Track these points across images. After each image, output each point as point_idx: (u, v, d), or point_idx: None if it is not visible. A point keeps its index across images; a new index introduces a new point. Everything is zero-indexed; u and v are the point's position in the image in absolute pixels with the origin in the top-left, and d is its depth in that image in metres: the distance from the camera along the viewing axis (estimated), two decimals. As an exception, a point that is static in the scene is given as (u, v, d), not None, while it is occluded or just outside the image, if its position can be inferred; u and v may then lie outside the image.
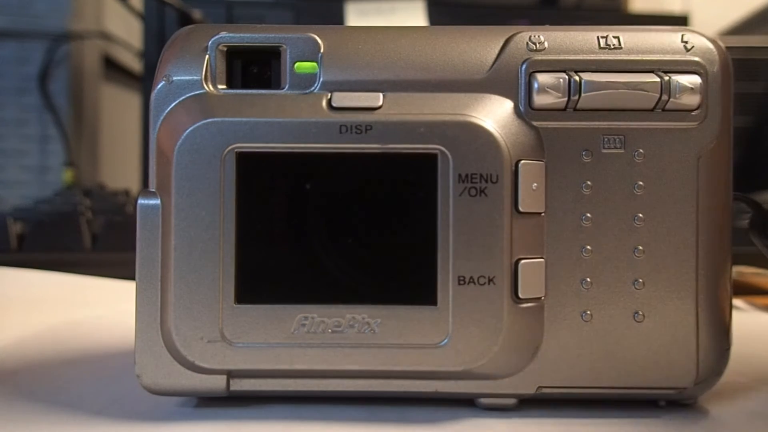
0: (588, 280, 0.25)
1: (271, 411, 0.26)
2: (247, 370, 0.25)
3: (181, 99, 0.25)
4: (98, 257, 0.61)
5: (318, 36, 0.26)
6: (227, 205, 0.24)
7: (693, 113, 0.25)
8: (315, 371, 0.25)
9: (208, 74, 0.26)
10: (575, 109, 0.25)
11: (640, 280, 0.25)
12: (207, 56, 0.26)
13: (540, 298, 0.25)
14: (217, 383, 0.25)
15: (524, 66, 0.25)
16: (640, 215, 0.25)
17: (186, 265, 0.24)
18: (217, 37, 0.26)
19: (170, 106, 0.25)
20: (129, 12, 0.98)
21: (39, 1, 1.13)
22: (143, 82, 0.98)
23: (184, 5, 0.87)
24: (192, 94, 0.25)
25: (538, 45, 0.26)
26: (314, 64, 0.26)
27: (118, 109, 1.31)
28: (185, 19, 0.86)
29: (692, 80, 0.25)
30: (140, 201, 0.25)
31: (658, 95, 0.25)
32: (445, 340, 0.24)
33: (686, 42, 0.26)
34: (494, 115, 0.25)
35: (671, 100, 0.25)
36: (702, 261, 0.25)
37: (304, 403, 0.26)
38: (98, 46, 1.20)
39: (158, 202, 0.25)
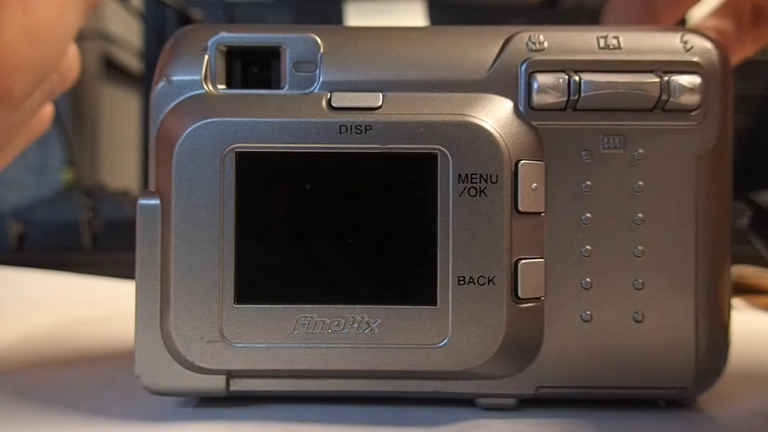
0: (588, 280, 0.25)
1: (271, 411, 0.26)
2: (246, 371, 0.25)
3: (180, 99, 0.25)
4: (98, 257, 0.62)
5: (318, 36, 0.26)
6: (227, 205, 0.24)
7: (693, 113, 0.25)
8: (315, 371, 0.25)
9: (208, 74, 0.26)
10: (575, 109, 0.25)
11: (640, 280, 0.25)
12: (206, 56, 0.26)
13: (540, 298, 0.25)
14: (217, 383, 0.25)
15: (524, 66, 0.25)
16: (640, 215, 0.25)
17: (186, 265, 0.24)
18: (216, 37, 0.26)
19: (170, 106, 0.25)
20: (129, 12, 0.98)
21: (39, 1, 1.12)
22: (143, 82, 0.98)
23: (184, 5, 0.87)
24: (192, 94, 0.25)
25: (537, 45, 0.26)
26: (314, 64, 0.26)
27: (118, 109, 1.31)
28: (185, 19, 0.86)
29: (692, 80, 0.25)
30: (140, 201, 0.25)
31: (657, 95, 0.25)
32: (445, 341, 0.24)
33: (685, 42, 0.26)
34: (494, 115, 0.25)
35: (671, 100, 0.25)
36: (702, 261, 0.25)
37: (304, 403, 0.26)
38: (98, 46, 1.20)
39: (158, 202, 0.25)
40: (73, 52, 0.32)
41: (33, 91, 0.28)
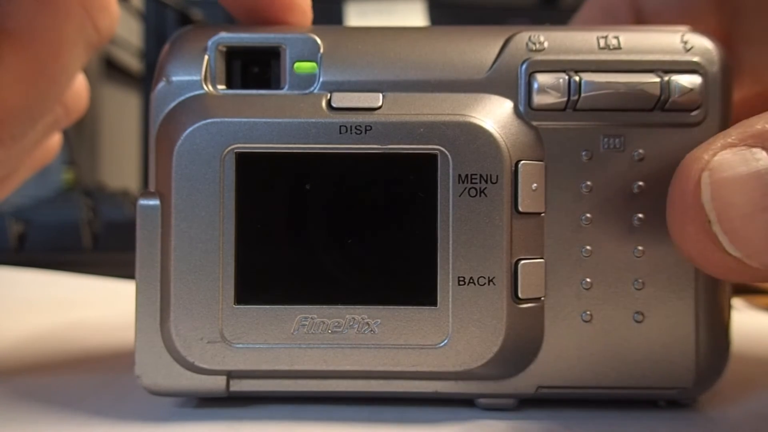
0: (588, 280, 0.25)
1: (271, 411, 0.26)
2: (246, 371, 0.25)
3: (180, 99, 0.25)
4: (98, 257, 0.62)
5: (318, 36, 0.26)
6: (227, 205, 0.24)
7: (693, 113, 0.25)
8: (315, 372, 0.25)
9: (208, 74, 0.26)
10: (575, 109, 0.25)
11: (640, 281, 0.25)
12: (206, 56, 0.26)
13: (540, 298, 0.25)
14: (217, 384, 0.25)
15: (524, 66, 0.25)
16: (640, 215, 0.25)
17: (186, 265, 0.24)
18: (216, 37, 0.26)
19: (170, 106, 0.25)
20: (129, 12, 0.98)
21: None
22: (143, 82, 0.98)
23: (184, 5, 0.87)
24: (192, 94, 0.25)
25: (537, 45, 0.26)
26: (314, 64, 0.26)
27: (118, 109, 1.31)
28: (185, 19, 0.86)
29: (692, 80, 0.25)
30: (140, 201, 0.25)
31: (657, 95, 0.25)
32: (445, 341, 0.24)
33: (685, 42, 0.26)
34: (494, 115, 0.25)
35: (671, 100, 0.25)
36: (702, 261, 0.25)
37: (304, 404, 0.26)
38: (98, 46, 1.19)
39: (158, 202, 0.25)
40: (80, 84, 0.32)
41: (26, 133, 0.27)
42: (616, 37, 0.26)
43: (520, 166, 0.25)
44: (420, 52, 0.26)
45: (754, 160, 0.21)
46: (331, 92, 0.25)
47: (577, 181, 0.25)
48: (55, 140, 0.33)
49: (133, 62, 1.22)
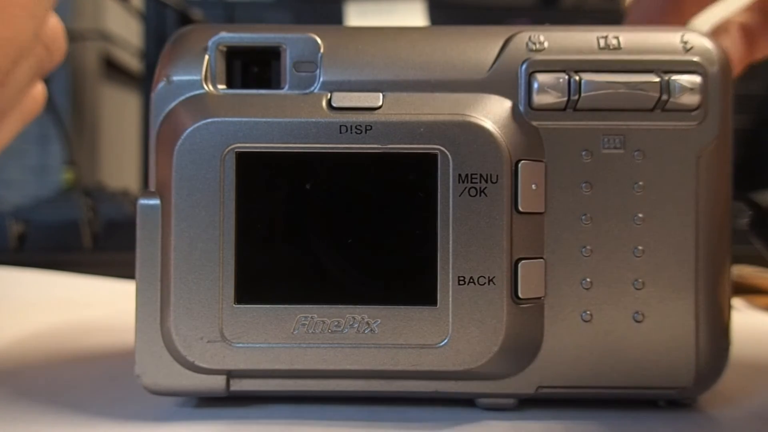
0: (588, 280, 0.25)
1: (271, 411, 0.26)
2: (247, 371, 0.25)
3: (181, 99, 0.25)
4: (98, 257, 0.62)
5: (318, 36, 0.26)
6: (227, 205, 0.24)
7: (693, 113, 0.25)
8: (315, 371, 0.25)
9: (208, 74, 0.26)
10: (575, 109, 0.25)
11: (640, 280, 0.25)
12: (207, 56, 0.26)
13: (540, 298, 0.25)
14: (217, 383, 0.25)
15: (524, 66, 0.25)
16: (640, 215, 0.25)
17: (186, 265, 0.24)
18: (216, 37, 0.26)
19: (170, 106, 0.25)
20: (129, 12, 0.98)
21: (39, 1, 1.12)
22: (143, 82, 0.98)
23: (184, 5, 0.87)
24: (192, 94, 0.25)
25: (538, 45, 0.26)
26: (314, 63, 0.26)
27: (118, 109, 1.31)
28: (185, 19, 0.86)
29: (692, 80, 0.25)
30: (140, 201, 0.25)
31: (657, 95, 0.25)
32: (445, 341, 0.24)
33: (686, 42, 0.26)
34: (494, 115, 0.25)
35: (671, 100, 0.25)
36: (702, 261, 0.25)
37: (304, 403, 0.26)
38: (98, 46, 1.20)
39: (158, 202, 0.25)
40: (55, 25, 0.32)
41: (11, 69, 0.27)
42: (616, 37, 0.26)
43: (520, 165, 0.25)
44: (420, 52, 0.26)
45: None
46: (331, 92, 0.25)
47: (577, 181, 0.25)
48: (40, 89, 0.33)
49: (133, 62, 1.22)
